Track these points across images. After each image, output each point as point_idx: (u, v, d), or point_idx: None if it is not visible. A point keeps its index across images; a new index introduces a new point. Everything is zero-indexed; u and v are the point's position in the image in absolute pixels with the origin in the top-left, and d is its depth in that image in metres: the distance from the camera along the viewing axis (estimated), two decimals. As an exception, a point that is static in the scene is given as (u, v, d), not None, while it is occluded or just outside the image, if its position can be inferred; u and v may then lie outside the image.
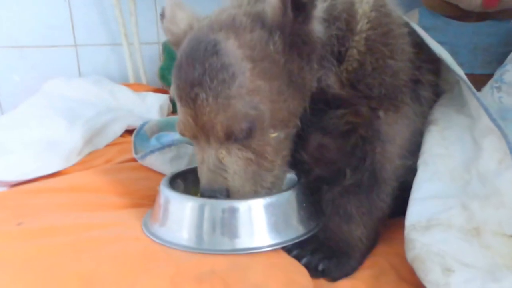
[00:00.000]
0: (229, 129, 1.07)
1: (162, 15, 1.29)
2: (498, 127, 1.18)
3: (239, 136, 1.09)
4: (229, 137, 1.09)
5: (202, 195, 1.15)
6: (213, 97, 1.04)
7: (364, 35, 1.20)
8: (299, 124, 1.21)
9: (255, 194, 1.16)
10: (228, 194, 1.12)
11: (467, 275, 0.97)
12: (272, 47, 1.09)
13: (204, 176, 1.13)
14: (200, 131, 1.10)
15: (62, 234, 1.18)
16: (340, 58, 1.21)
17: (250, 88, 1.06)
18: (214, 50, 1.05)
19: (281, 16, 1.07)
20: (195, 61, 1.06)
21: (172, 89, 2.74)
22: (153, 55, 3.11)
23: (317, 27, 1.12)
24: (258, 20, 1.10)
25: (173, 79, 1.13)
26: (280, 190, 1.24)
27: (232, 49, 1.06)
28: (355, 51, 1.20)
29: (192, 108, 1.07)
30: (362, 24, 1.21)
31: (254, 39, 1.08)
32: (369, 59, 1.20)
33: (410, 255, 1.08)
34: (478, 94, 1.25)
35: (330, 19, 1.17)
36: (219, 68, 1.04)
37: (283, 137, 1.17)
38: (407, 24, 1.32)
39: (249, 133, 1.09)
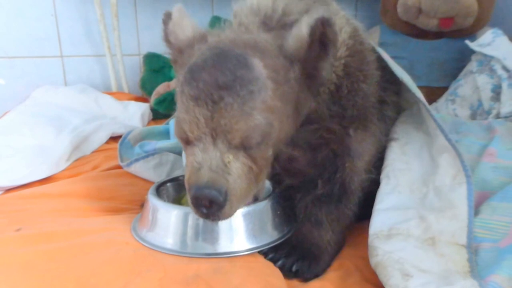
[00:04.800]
0: (247, 138, 1.03)
1: (167, 17, 1.20)
2: (453, 146, 1.23)
3: (251, 146, 1.06)
4: (243, 145, 1.04)
5: (197, 192, 1.02)
6: (238, 104, 1.00)
7: (343, 61, 1.22)
8: None
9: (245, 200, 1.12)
10: (226, 195, 1.02)
11: (423, 279, 1.02)
12: (292, 75, 1.09)
13: (203, 175, 1.02)
14: (208, 133, 1.03)
15: (57, 239, 1.20)
16: None
17: (270, 105, 1.05)
18: (245, 62, 1.02)
19: (306, 49, 1.07)
20: (224, 67, 1.01)
21: (153, 98, 2.77)
22: (134, 66, 3.11)
23: (327, 65, 1.13)
24: (280, 49, 1.09)
25: (188, 78, 1.04)
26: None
27: (259, 67, 1.04)
28: (334, 75, 1.22)
29: (210, 110, 1.01)
30: (341, 51, 1.22)
31: (277, 64, 1.07)
32: (345, 83, 1.23)
33: (373, 261, 1.13)
34: (435, 115, 1.30)
35: None
36: (249, 79, 1.01)
37: (272, 153, 1.16)
38: (374, 50, 1.36)
39: (259, 146, 1.07)
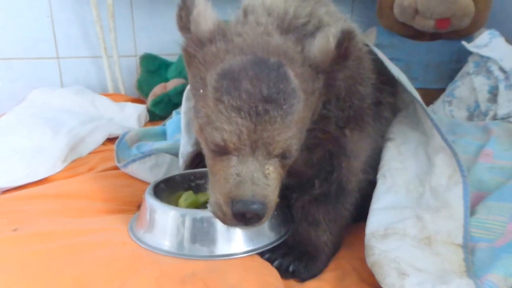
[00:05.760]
0: (288, 149, 1.05)
1: (191, 2, 1.10)
2: (449, 146, 1.24)
3: (288, 155, 1.07)
4: (282, 155, 1.06)
5: (243, 208, 1.01)
6: (281, 117, 1.00)
7: None
8: None
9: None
10: (267, 207, 1.03)
11: (419, 278, 1.03)
12: (317, 86, 1.10)
13: (247, 190, 1.01)
14: (249, 144, 1.02)
15: (55, 239, 1.21)
16: None
17: (301, 116, 1.06)
18: (284, 74, 1.02)
19: (331, 61, 1.08)
20: (267, 79, 1.01)
21: (149, 99, 2.77)
22: (131, 67, 3.11)
23: (343, 76, 1.16)
24: (306, 58, 1.09)
25: (227, 86, 1.02)
26: None
27: (293, 78, 1.03)
28: None
29: (253, 122, 1.00)
30: None
31: (305, 74, 1.07)
32: (343, 85, 1.23)
33: (369, 260, 1.14)
34: (431, 115, 1.31)
35: None
36: (289, 92, 1.01)
37: None
38: (370, 52, 1.37)
39: (295, 154, 1.09)
